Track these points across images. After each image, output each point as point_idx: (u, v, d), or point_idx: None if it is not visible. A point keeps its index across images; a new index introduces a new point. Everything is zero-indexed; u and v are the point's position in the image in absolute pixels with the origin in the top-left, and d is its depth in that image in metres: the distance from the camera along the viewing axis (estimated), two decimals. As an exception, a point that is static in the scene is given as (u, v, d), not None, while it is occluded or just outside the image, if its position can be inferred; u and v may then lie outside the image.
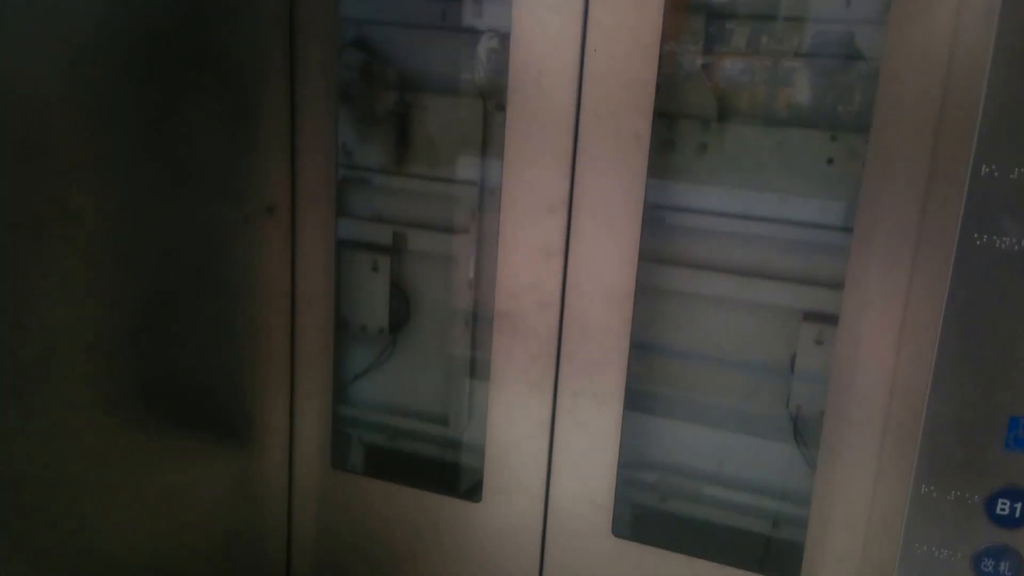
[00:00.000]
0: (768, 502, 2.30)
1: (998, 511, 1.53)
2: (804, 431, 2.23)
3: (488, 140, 2.42)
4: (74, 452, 1.88)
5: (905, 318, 1.87)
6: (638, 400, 2.29)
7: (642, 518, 2.29)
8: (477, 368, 2.52)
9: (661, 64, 1.97)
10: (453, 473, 2.54)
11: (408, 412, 2.65)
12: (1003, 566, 1.54)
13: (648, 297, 2.23)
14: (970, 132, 1.49)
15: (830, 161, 2.14)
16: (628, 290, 2.09)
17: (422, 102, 2.49)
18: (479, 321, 2.48)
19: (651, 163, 2.02)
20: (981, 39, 1.54)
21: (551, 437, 2.21)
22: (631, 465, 2.31)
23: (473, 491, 2.33)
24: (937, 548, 1.53)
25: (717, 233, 2.25)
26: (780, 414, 2.26)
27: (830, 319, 2.04)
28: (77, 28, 1.76)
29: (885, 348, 1.92)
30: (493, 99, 2.40)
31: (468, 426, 2.53)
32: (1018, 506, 1.52)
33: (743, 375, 2.29)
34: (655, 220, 2.23)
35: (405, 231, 2.55)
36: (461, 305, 2.53)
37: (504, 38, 2.20)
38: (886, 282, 1.87)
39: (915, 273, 1.84)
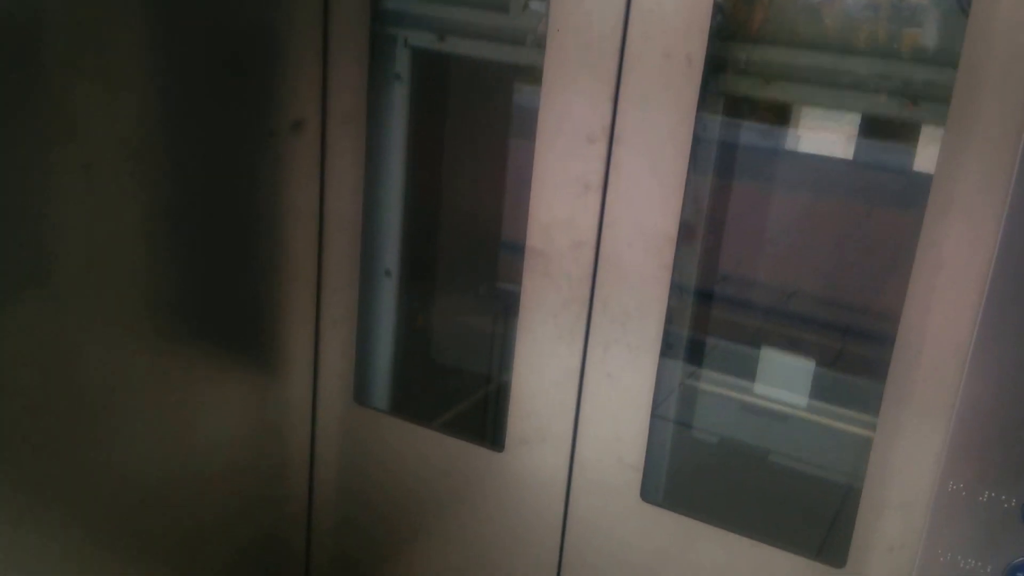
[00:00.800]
0: (817, 478, 2.10)
1: (1038, 519, 1.29)
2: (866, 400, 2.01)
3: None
4: (100, 367, 1.85)
5: (983, 288, 1.62)
6: (677, 353, 2.09)
7: (675, 483, 2.11)
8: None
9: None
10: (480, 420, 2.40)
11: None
12: (1041, 584, 1.31)
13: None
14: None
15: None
16: (670, 233, 1.88)
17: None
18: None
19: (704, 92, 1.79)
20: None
21: (579, 388, 2.04)
22: (666, 425, 2.13)
23: (496, 439, 2.19)
24: (963, 557, 1.31)
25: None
26: (841, 379, 2.04)
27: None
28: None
29: (959, 318, 1.68)
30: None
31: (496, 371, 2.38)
32: (1067, 516, 1.28)
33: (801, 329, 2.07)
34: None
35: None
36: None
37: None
38: (961, 242, 1.62)
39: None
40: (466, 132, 2.48)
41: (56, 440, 1.81)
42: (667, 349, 1.96)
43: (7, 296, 1.66)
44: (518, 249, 2.04)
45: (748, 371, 2.18)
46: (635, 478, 2.04)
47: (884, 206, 1.94)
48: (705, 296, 2.09)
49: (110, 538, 1.96)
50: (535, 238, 2.02)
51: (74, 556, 1.90)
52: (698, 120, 1.81)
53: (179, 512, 2.11)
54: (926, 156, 1.77)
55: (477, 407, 2.36)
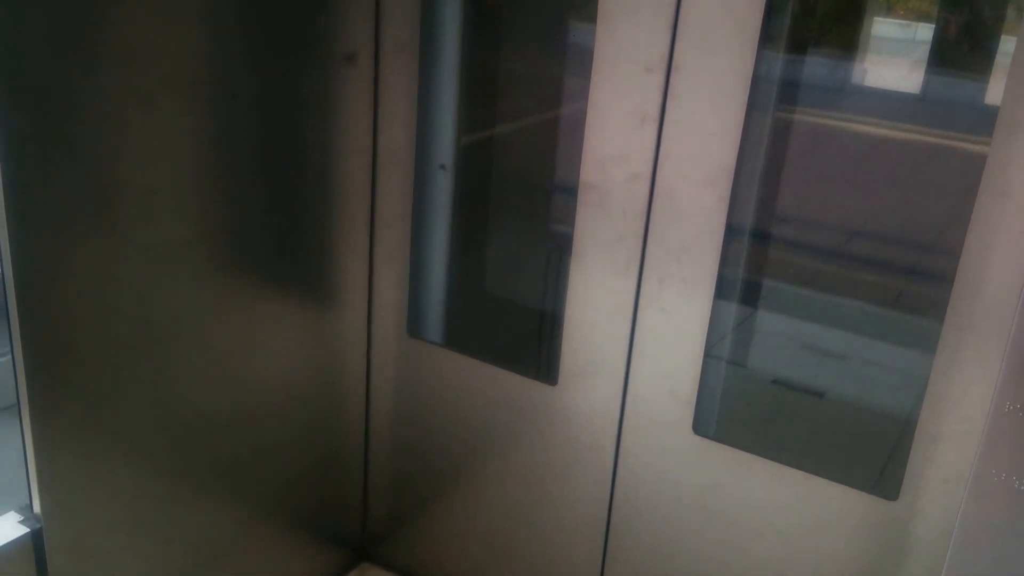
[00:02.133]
0: (871, 411, 2.12)
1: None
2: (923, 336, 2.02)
3: None
4: (163, 301, 1.92)
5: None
6: (732, 291, 2.11)
7: (729, 418, 2.14)
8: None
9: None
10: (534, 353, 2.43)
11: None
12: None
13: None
14: None
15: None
16: (728, 165, 1.89)
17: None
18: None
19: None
20: None
21: (633, 322, 2.07)
22: (721, 362, 2.15)
23: (550, 372, 2.24)
24: (1018, 478, 1.32)
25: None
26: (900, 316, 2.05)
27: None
28: None
29: (1021, 244, 1.68)
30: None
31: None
32: None
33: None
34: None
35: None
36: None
37: None
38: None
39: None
40: (520, 68, 2.49)
41: (124, 372, 1.89)
42: (722, 287, 1.98)
43: (73, 230, 1.72)
44: (573, 190, 2.06)
45: (804, 310, 2.19)
46: (687, 412, 2.08)
47: (950, 142, 1.93)
48: (763, 235, 2.10)
49: (177, 461, 2.05)
50: (589, 172, 2.04)
51: (145, 483, 1.99)
52: (760, 51, 1.80)
53: (244, 437, 2.20)
54: (996, 88, 1.76)
55: (531, 340, 2.40)
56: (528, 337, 2.39)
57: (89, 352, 1.81)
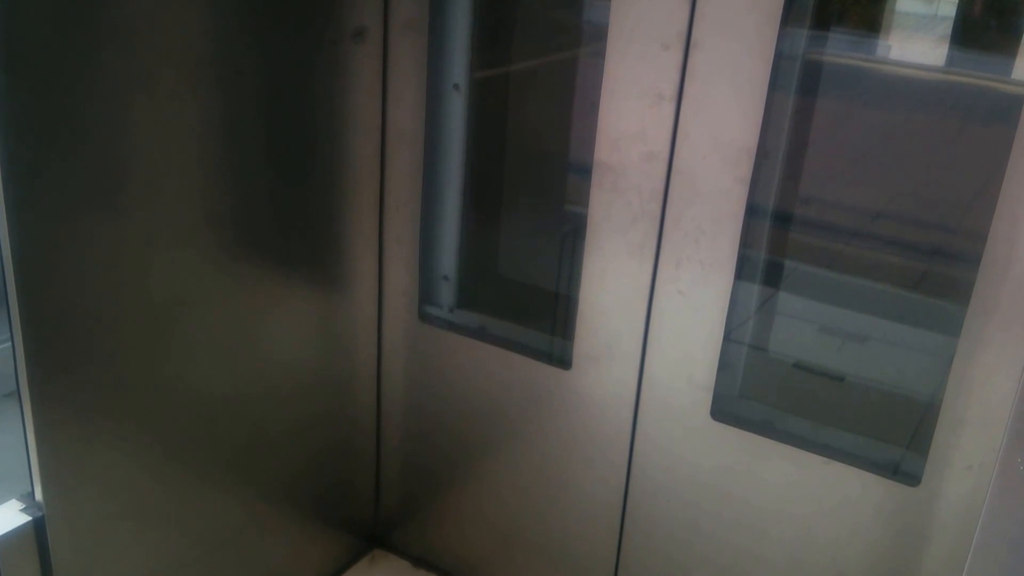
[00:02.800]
0: (892, 396, 2.09)
1: None
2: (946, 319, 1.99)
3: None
4: (167, 282, 1.90)
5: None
6: (752, 274, 2.07)
7: (748, 404, 2.12)
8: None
9: None
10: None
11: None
12: None
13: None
14: None
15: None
16: (749, 145, 1.86)
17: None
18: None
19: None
20: None
21: (649, 306, 2.05)
22: (739, 346, 2.13)
23: (563, 357, 2.21)
24: None
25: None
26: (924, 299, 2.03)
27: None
28: None
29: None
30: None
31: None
32: None
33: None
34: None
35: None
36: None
37: None
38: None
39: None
40: (534, 44, 2.45)
41: (128, 358, 1.87)
42: (742, 269, 1.95)
43: (74, 213, 1.69)
44: (587, 170, 2.03)
45: (826, 293, 2.16)
46: (705, 397, 2.05)
47: (976, 121, 1.89)
48: (784, 216, 2.06)
49: (183, 447, 2.03)
50: (604, 151, 2.01)
51: (151, 471, 1.98)
52: (782, 27, 1.76)
53: (251, 424, 2.18)
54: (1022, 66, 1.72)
55: (544, 324, 2.37)
56: (542, 321, 2.36)
57: (92, 338, 1.79)
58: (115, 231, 1.77)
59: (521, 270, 2.53)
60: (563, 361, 2.23)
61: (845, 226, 2.09)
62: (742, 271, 1.97)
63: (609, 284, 2.09)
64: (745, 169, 1.89)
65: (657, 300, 2.05)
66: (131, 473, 1.93)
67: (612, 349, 2.14)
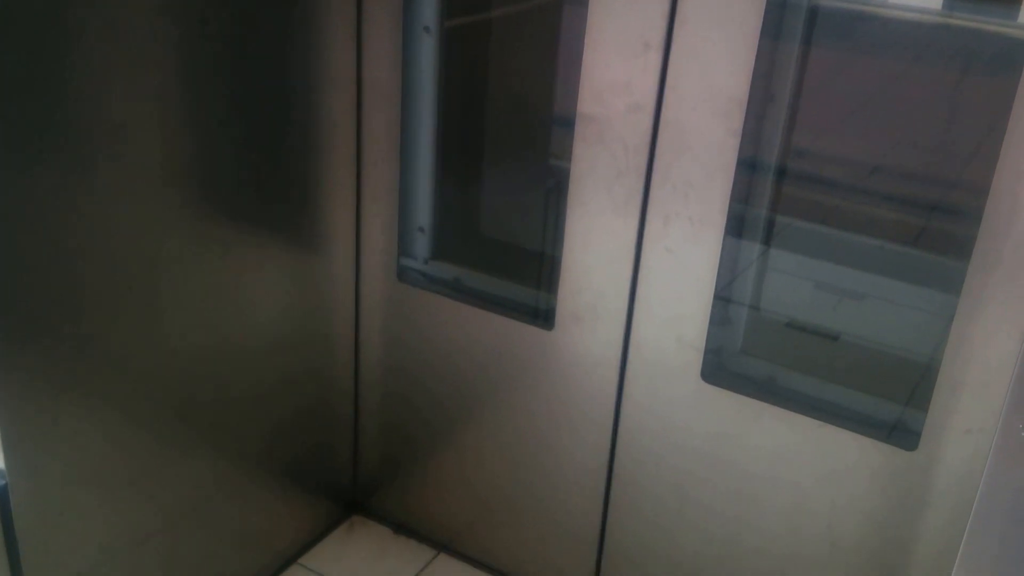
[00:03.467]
0: (890, 356, 2.03)
1: None
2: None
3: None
4: (135, 240, 1.83)
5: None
6: (743, 230, 2.00)
7: (739, 364, 2.06)
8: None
9: None
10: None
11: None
12: None
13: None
14: None
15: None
16: (740, 96, 1.78)
17: None
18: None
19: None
20: None
21: (636, 263, 1.99)
22: (731, 304, 2.06)
23: (546, 317, 2.15)
24: None
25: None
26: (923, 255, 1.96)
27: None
28: None
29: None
30: None
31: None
32: None
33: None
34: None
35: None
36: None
37: None
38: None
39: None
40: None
41: (93, 319, 1.80)
42: (733, 225, 1.88)
43: (34, 169, 1.61)
44: (570, 123, 1.95)
45: (820, 250, 2.09)
46: (695, 358, 1.99)
47: (979, 70, 1.81)
48: (777, 169, 1.99)
49: (152, 412, 1.97)
50: (587, 103, 1.94)
51: (118, 437, 1.91)
52: (775, -32, 1.68)
53: (224, 387, 2.12)
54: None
55: (526, 284, 2.30)
56: (524, 280, 2.29)
57: (55, 299, 1.72)
58: (79, 187, 1.69)
59: (502, 225, 2.46)
60: (546, 321, 2.16)
61: (841, 180, 2.02)
62: (733, 227, 1.90)
63: (593, 241, 2.03)
64: (736, 120, 1.81)
65: (645, 258, 1.98)
66: (97, 439, 1.87)
67: (596, 309, 2.08)
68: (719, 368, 2.03)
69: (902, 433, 1.88)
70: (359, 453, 2.60)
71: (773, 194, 2.02)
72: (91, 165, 1.70)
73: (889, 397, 1.95)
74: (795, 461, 1.97)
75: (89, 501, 1.89)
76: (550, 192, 2.16)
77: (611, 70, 1.88)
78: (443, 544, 2.56)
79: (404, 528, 2.61)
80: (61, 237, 1.69)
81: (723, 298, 2.00)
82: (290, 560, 2.48)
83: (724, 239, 1.88)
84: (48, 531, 1.82)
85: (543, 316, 2.19)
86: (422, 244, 2.38)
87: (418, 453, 2.49)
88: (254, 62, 1.95)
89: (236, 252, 2.04)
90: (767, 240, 2.06)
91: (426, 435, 2.46)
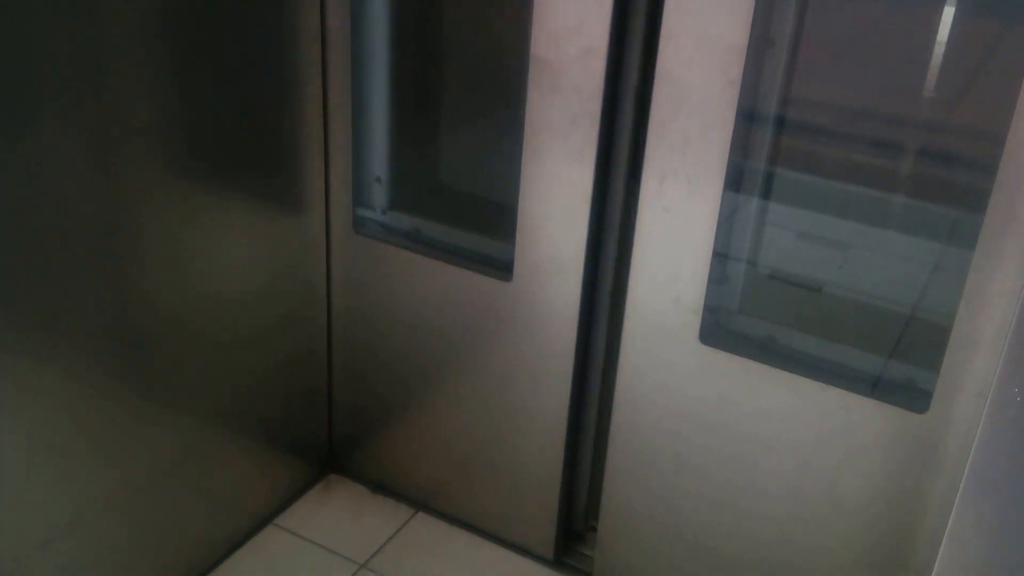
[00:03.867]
0: (899, 316, 1.96)
1: None
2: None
3: None
4: (102, 195, 1.73)
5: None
6: (744, 183, 1.90)
7: (738, 324, 1.97)
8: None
9: None
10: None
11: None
12: None
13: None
14: None
15: None
16: (738, 44, 1.67)
17: None
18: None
19: None
20: None
21: (592, 212, 1.92)
22: (730, 262, 1.97)
23: (505, 268, 2.08)
24: None
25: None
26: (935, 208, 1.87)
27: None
28: None
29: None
30: None
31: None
32: None
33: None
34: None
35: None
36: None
37: None
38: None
39: None
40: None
41: (54, 274, 1.69)
42: (733, 181, 1.78)
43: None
44: (524, 66, 1.85)
45: (826, 204, 2.00)
46: (694, 320, 1.91)
47: (995, 15, 1.70)
48: (779, 120, 1.88)
49: (117, 376, 1.87)
50: (540, 46, 1.84)
51: (81, 399, 1.81)
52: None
53: (194, 345, 2.03)
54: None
55: (484, 235, 2.23)
56: (483, 230, 2.21)
57: (13, 261, 1.61)
58: (39, 140, 1.58)
59: (461, 174, 2.36)
60: (504, 272, 2.08)
61: (844, 129, 1.91)
62: (731, 181, 1.80)
63: (549, 191, 1.94)
64: (735, 70, 1.70)
65: (641, 219, 1.88)
66: (59, 404, 1.77)
67: (555, 260, 2.00)
68: (717, 329, 1.95)
69: (912, 394, 1.81)
70: (334, 410, 2.52)
71: (772, 146, 1.92)
72: (51, 118, 1.59)
73: (899, 357, 1.87)
74: (797, 423, 1.90)
75: (52, 470, 1.80)
76: (506, 139, 2.04)
77: (563, 12, 1.78)
78: (421, 503, 2.49)
79: (381, 487, 2.54)
80: (17, 199, 1.58)
81: (720, 255, 1.91)
82: (265, 520, 2.41)
83: (724, 196, 1.79)
84: (11, 500, 1.73)
85: (502, 267, 2.11)
86: (379, 194, 2.29)
87: (391, 409, 2.42)
88: (218, 13, 1.82)
89: (204, 210, 1.95)
90: (766, 194, 1.96)
91: (397, 391, 2.38)
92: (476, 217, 2.30)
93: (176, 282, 1.93)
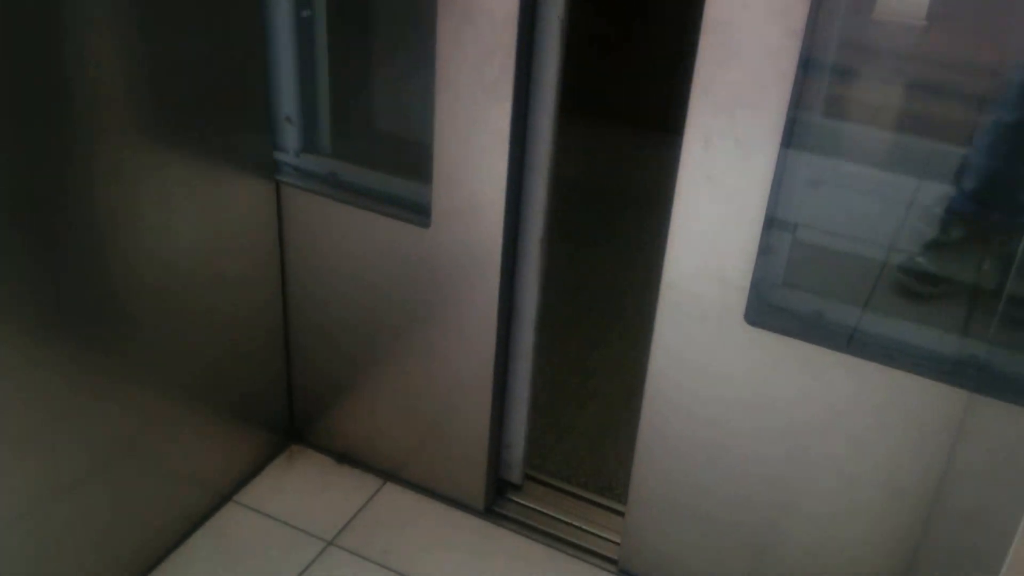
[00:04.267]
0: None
1: None
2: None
3: None
4: (42, 155, 1.57)
5: None
6: (802, 146, 1.68)
7: (788, 303, 1.78)
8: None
9: None
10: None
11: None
12: None
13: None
14: None
15: None
16: None
17: None
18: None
19: None
20: None
21: (511, 151, 1.78)
22: (781, 231, 1.76)
23: (424, 213, 1.94)
24: None
25: None
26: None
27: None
28: None
29: None
30: None
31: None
32: None
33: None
34: None
35: None
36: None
37: None
38: None
39: None
40: None
41: (10, 243, 1.55)
42: (790, 144, 1.57)
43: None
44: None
45: (893, 164, 1.79)
46: (739, 299, 1.71)
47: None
48: (844, 72, 1.65)
49: (67, 352, 1.72)
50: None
51: (31, 375, 1.66)
52: None
53: (151, 313, 1.87)
54: None
55: (400, 175, 2.05)
56: (404, 175, 2.02)
57: None
58: None
59: (377, 114, 2.20)
60: (422, 218, 1.93)
61: (916, 77, 1.69)
62: (790, 146, 1.58)
63: (466, 130, 1.79)
64: (797, 17, 1.47)
65: (681, 188, 1.66)
66: (5, 387, 1.61)
67: (473, 203, 1.85)
68: (762, 306, 1.75)
69: (981, 374, 1.64)
70: (293, 376, 2.33)
71: (841, 103, 1.70)
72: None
73: (962, 332, 1.70)
74: (853, 408, 1.72)
75: (6, 451, 1.65)
76: (421, 75, 1.85)
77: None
78: (389, 472, 2.32)
79: (347, 457, 2.36)
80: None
81: (775, 228, 1.70)
82: (226, 497, 2.24)
83: (778, 161, 1.57)
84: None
85: (419, 213, 1.95)
86: (292, 135, 2.08)
87: (346, 371, 2.25)
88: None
89: (154, 174, 1.77)
90: (820, 150, 1.73)
91: (350, 351, 2.23)
92: (397, 159, 2.13)
93: (126, 251, 1.77)
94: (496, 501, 2.26)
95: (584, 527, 2.20)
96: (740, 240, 1.66)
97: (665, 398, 1.87)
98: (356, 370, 2.23)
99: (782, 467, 1.84)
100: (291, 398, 2.36)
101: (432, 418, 2.18)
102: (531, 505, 2.25)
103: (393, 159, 2.11)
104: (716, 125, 1.58)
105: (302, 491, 2.29)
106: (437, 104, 1.80)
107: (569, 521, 2.22)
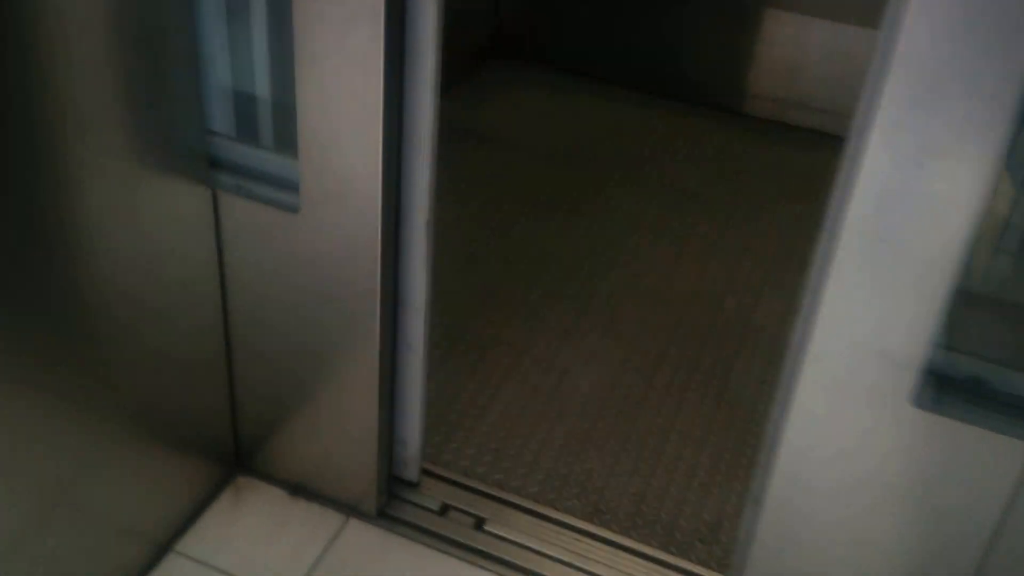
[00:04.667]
0: None
1: None
2: None
3: None
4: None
5: None
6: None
7: (972, 385, 1.37)
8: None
9: None
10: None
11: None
12: None
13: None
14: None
15: None
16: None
17: None
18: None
19: None
20: None
21: (385, 127, 1.59)
22: (971, 291, 1.34)
23: (288, 197, 1.75)
24: None
25: None
26: None
27: None
28: None
29: None
30: None
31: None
32: None
33: None
34: None
35: None
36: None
37: None
38: None
39: None
40: None
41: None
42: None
43: None
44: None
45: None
46: (905, 377, 1.30)
47: None
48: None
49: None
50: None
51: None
52: None
53: (86, 343, 1.66)
54: None
55: (268, 159, 1.79)
56: (267, 155, 1.80)
57: None
58: None
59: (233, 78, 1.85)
60: (288, 203, 1.74)
61: None
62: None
63: (334, 103, 1.59)
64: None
65: (843, 240, 1.24)
66: None
67: (344, 187, 1.66)
68: (938, 389, 1.35)
69: None
70: (236, 394, 2.03)
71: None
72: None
73: None
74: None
75: None
76: (283, 38, 1.65)
77: None
78: (350, 505, 2.03)
79: (301, 489, 2.04)
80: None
81: (966, 288, 1.29)
82: (164, 548, 1.94)
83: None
84: None
85: (285, 197, 1.76)
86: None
87: (283, 385, 2.00)
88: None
89: (83, 183, 1.54)
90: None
91: (271, 362, 1.98)
92: (250, 134, 1.86)
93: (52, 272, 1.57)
94: (391, 503, 2.06)
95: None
96: (917, 303, 1.25)
97: (791, 492, 1.47)
98: (297, 383, 1.99)
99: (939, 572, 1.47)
100: (235, 420, 2.06)
101: (322, 421, 1.97)
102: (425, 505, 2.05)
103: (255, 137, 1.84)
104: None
105: (254, 534, 1.97)
106: (298, 74, 1.59)
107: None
